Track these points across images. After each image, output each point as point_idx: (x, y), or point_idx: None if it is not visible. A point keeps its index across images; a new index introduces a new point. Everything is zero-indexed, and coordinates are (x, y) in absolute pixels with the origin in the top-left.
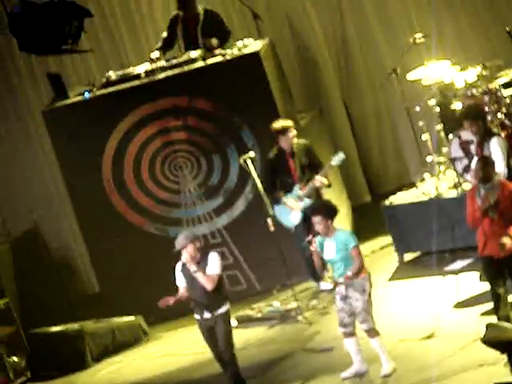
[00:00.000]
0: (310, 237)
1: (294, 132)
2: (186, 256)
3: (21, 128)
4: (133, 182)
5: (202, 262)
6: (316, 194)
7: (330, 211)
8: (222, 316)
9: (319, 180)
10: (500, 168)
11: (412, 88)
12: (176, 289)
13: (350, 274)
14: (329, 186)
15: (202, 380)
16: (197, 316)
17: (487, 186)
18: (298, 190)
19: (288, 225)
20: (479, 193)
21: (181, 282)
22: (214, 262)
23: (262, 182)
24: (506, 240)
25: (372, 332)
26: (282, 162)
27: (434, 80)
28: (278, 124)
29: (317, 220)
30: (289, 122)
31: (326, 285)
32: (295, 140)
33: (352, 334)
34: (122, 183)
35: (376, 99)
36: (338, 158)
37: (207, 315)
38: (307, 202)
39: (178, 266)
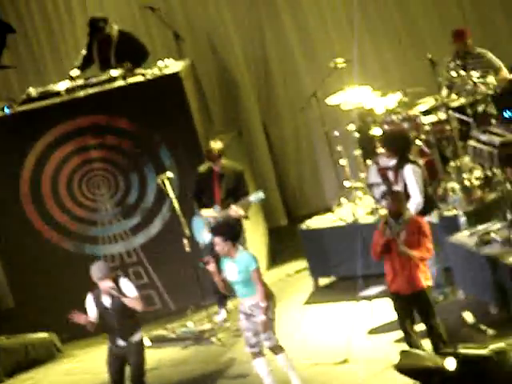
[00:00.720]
0: (206, 258)
1: (221, 158)
2: (104, 288)
3: None
4: (50, 199)
5: (117, 290)
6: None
7: (230, 232)
8: (136, 344)
9: (234, 210)
10: (415, 197)
11: (332, 112)
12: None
13: (262, 304)
14: (246, 217)
15: None
16: (110, 344)
17: (398, 220)
18: (216, 210)
19: (200, 240)
20: (389, 226)
21: (91, 312)
22: (129, 285)
23: (186, 195)
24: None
25: (277, 349)
26: (209, 180)
27: (354, 105)
28: (215, 145)
29: (217, 241)
30: (221, 149)
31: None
32: (230, 163)
33: (260, 354)
34: (39, 199)
35: (295, 122)
36: (256, 196)
37: (121, 343)
38: None
39: (89, 297)
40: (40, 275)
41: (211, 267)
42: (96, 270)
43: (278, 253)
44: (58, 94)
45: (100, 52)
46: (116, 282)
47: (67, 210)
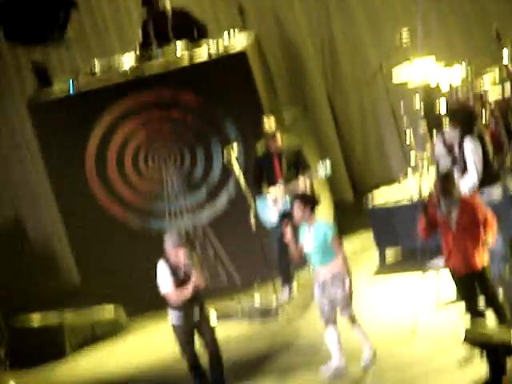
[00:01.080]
0: (286, 224)
1: (278, 137)
2: (181, 255)
3: (4, 118)
4: (116, 175)
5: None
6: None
7: (310, 199)
8: (208, 317)
9: (302, 182)
10: (472, 174)
11: (398, 86)
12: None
13: (344, 273)
14: (312, 190)
15: (181, 373)
16: (181, 318)
17: (448, 201)
18: (281, 189)
19: (267, 221)
20: (440, 206)
21: (165, 281)
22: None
23: (247, 178)
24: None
25: (353, 320)
26: (269, 162)
27: (419, 83)
28: (268, 126)
29: (296, 205)
30: (275, 126)
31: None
32: (285, 140)
33: (333, 324)
34: (104, 175)
35: (361, 97)
36: (323, 170)
37: (196, 314)
38: (285, 206)
39: (162, 265)
40: (105, 250)
41: (288, 233)
42: (170, 239)
43: (344, 225)
44: (122, 73)
45: (156, 29)
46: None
47: (133, 185)
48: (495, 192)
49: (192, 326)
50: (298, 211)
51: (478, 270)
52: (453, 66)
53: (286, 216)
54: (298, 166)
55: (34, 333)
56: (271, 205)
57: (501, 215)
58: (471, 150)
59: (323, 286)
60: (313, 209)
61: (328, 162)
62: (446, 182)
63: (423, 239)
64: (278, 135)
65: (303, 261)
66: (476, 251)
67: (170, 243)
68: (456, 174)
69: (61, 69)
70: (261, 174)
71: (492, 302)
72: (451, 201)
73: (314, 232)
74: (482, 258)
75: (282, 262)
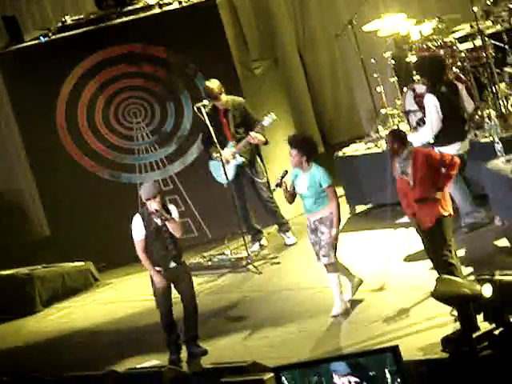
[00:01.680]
0: (277, 180)
1: (223, 94)
2: (155, 206)
3: None
4: (86, 128)
5: (163, 209)
6: (252, 150)
7: (308, 147)
8: (183, 266)
9: (254, 136)
10: (426, 129)
11: (367, 40)
12: (130, 238)
13: (334, 219)
14: (265, 143)
15: (150, 326)
16: (159, 268)
17: (401, 158)
18: (231, 147)
19: (221, 181)
20: (397, 165)
21: (140, 233)
22: (176, 212)
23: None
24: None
25: (331, 267)
26: (216, 118)
27: (390, 32)
28: (212, 85)
29: (293, 152)
30: (219, 85)
31: None
32: (230, 97)
33: (332, 268)
34: (75, 128)
35: (331, 50)
36: (269, 119)
37: (173, 264)
38: (239, 159)
39: (138, 218)
40: (76, 204)
41: (283, 187)
42: (145, 190)
43: None
44: (92, 21)
45: None
46: (164, 204)
47: (103, 139)
48: (466, 145)
49: (172, 274)
50: (294, 158)
51: (441, 218)
52: (423, 23)
53: (236, 174)
54: (244, 121)
55: (3, 286)
56: (219, 166)
57: (467, 169)
58: (428, 105)
59: (312, 230)
60: (309, 156)
61: (272, 113)
62: (393, 139)
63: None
64: (223, 96)
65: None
66: (440, 203)
67: (143, 194)
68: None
69: (32, 22)
70: (210, 133)
71: (442, 250)
72: (403, 157)
73: (309, 178)
74: (445, 206)
75: (243, 216)
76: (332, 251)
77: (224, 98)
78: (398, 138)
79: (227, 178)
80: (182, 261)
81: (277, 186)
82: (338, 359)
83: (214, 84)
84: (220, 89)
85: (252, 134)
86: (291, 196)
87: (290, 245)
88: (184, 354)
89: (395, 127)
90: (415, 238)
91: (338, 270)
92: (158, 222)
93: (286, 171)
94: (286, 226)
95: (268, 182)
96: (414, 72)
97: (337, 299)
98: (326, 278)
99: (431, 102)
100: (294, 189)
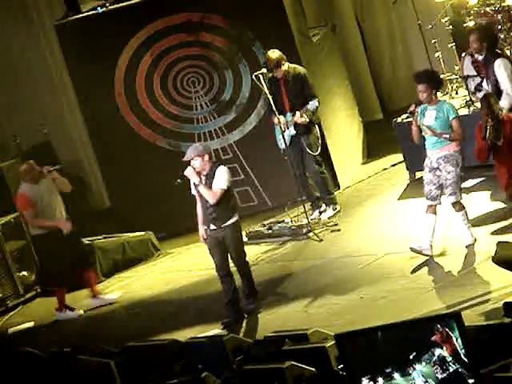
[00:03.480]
0: (411, 107)
1: (286, 63)
2: (189, 168)
3: (33, 42)
4: (145, 97)
5: (209, 176)
6: (309, 122)
7: (434, 80)
8: (229, 227)
9: (297, 117)
10: (506, 92)
11: (425, 6)
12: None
13: (447, 135)
14: (310, 122)
15: (211, 295)
16: (204, 227)
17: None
18: (289, 118)
19: (279, 146)
20: (490, 130)
21: (192, 189)
22: (220, 177)
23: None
24: None
25: (458, 205)
26: (276, 87)
27: None
28: (272, 55)
29: (421, 88)
30: (280, 56)
31: None
32: (292, 66)
33: (435, 211)
34: (134, 97)
35: (389, 16)
36: (313, 104)
37: (213, 227)
38: (292, 131)
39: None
40: (135, 173)
41: (415, 117)
42: (190, 150)
43: (374, 147)
44: None
45: None
46: (212, 168)
47: (162, 108)
48: None
49: (214, 235)
50: (421, 94)
51: None
52: None
53: (291, 143)
54: (303, 92)
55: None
56: (280, 132)
57: None
58: (503, 69)
59: (433, 169)
60: (436, 90)
61: (317, 100)
62: (489, 104)
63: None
64: (284, 65)
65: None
66: None
67: (186, 154)
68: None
69: None
70: (269, 101)
71: None
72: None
73: (437, 110)
74: None
75: (302, 184)
76: (459, 190)
77: (285, 67)
78: (493, 103)
79: (285, 146)
80: (226, 225)
81: (411, 112)
82: (399, 326)
83: (274, 54)
84: (280, 59)
85: (297, 114)
86: (418, 129)
87: (330, 217)
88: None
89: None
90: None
91: (464, 208)
92: (193, 184)
93: (420, 102)
94: (331, 200)
95: (320, 156)
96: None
97: (466, 233)
98: (454, 216)
99: (501, 65)
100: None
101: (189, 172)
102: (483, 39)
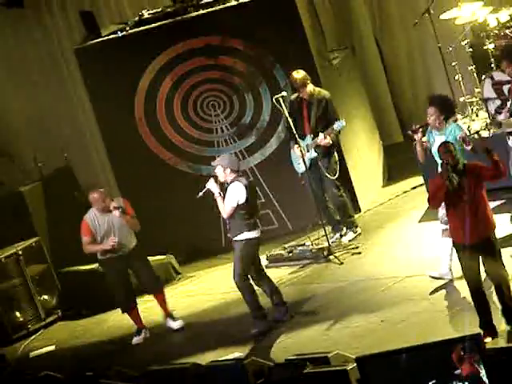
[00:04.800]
0: (415, 126)
1: (310, 85)
2: (211, 180)
3: (53, 67)
4: (165, 121)
5: (227, 189)
6: (329, 146)
7: (445, 105)
8: (237, 242)
9: (321, 139)
10: None
11: (445, 28)
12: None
13: (467, 139)
14: (332, 145)
15: (232, 318)
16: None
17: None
18: (309, 140)
19: (297, 170)
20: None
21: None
22: (230, 194)
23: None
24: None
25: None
26: (299, 109)
27: (467, 20)
28: (296, 75)
29: (430, 111)
30: (304, 76)
31: None
32: (317, 89)
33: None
34: (154, 122)
35: (409, 39)
36: (339, 124)
37: (229, 236)
38: (313, 154)
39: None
40: (155, 196)
41: (417, 136)
42: (220, 157)
43: (394, 169)
44: (170, 15)
45: None
46: (232, 181)
47: (182, 132)
48: None
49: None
50: (430, 117)
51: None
52: (501, 10)
53: (311, 167)
54: (325, 115)
55: (85, 281)
56: (298, 158)
57: None
58: None
59: None
60: (447, 115)
61: (343, 120)
62: (448, 152)
63: (432, 209)
64: (308, 87)
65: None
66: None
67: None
68: (503, 116)
69: (109, 17)
70: (293, 121)
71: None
72: (457, 170)
73: (445, 137)
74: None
75: (322, 207)
76: None
77: (309, 89)
78: (452, 150)
79: (305, 169)
80: (235, 239)
81: (412, 132)
82: (419, 348)
83: (298, 74)
84: (304, 80)
85: (321, 135)
86: (424, 151)
87: (350, 240)
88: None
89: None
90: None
91: None
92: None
93: (426, 124)
94: (352, 223)
95: (338, 179)
96: (493, 59)
97: (443, 262)
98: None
99: None
100: (428, 150)
101: (210, 184)
102: (507, 56)
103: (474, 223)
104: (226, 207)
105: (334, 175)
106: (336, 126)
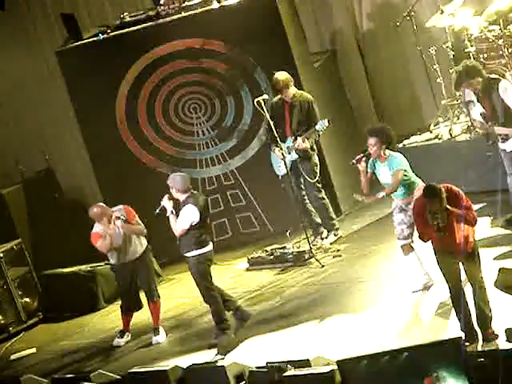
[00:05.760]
0: (357, 156)
1: (293, 87)
2: (166, 197)
3: (34, 69)
4: (146, 124)
5: (182, 207)
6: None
7: (386, 136)
8: (190, 259)
9: (298, 143)
10: None
11: (426, 31)
12: None
13: (384, 192)
14: (311, 149)
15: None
16: None
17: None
18: (290, 143)
19: (277, 173)
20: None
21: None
22: (182, 217)
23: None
24: None
25: (410, 248)
26: (280, 111)
27: (448, 24)
28: (279, 77)
29: (372, 141)
30: (287, 78)
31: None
32: (299, 92)
33: (412, 247)
34: (135, 125)
35: (390, 42)
36: (321, 124)
37: (180, 251)
38: (294, 156)
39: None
40: (137, 199)
41: (361, 166)
42: (170, 177)
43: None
44: (151, 18)
45: None
46: (187, 199)
47: (164, 135)
48: None
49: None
50: (371, 147)
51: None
52: (482, 13)
53: (291, 169)
54: (307, 119)
55: (66, 284)
56: (279, 160)
57: None
58: (506, 93)
59: (402, 209)
60: (388, 145)
61: (326, 120)
62: (437, 199)
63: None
64: (290, 89)
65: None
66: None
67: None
68: (480, 119)
69: (90, 19)
70: (274, 123)
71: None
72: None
73: (388, 167)
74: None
75: (302, 210)
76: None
77: (292, 91)
78: (442, 198)
79: (286, 172)
80: (187, 255)
81: (356, 161)
82: (400, 351)
83: (281, 76)
84: (287, 82)
85: (299, 139)
86: (367, 181)
87: (332, 243)
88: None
89: None
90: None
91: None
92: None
93: (369, 153)
94: (333, 226)
95: (319, 182)
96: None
97: (418, 274)
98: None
99: (507, 87)
100: (372, 176)
101: (165, 201)
102: (475, 77)
103: (457, 245)
104: (178, 227)
105: (314, 178)
106: (318, 126)
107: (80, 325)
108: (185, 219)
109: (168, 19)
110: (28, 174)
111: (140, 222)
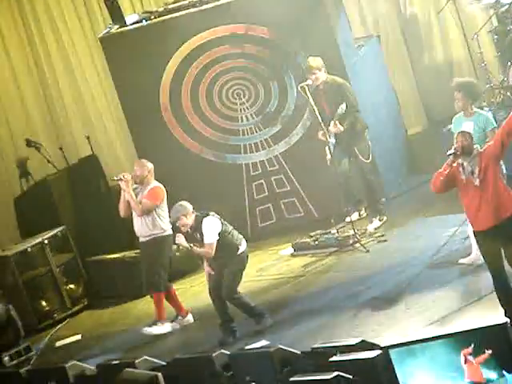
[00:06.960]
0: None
1: (322, 74)
2: (178, 236)
3: (78, 55)
4: (190, 110)
5: (197, 229)
6: (358, 130)
7: (472, 91)
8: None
9: (333, 127)
10: None
11: (469, 15)
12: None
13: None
14: (363, 128)
15: (259, 306)
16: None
17: (469, 158)
18: (331, 126)
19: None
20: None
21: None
22: (208, 230)
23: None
24: None
25: None
26: (317, 97)
27: (491, 5)
28: (312, 62)
29: (458, 96)
30: (319, 64)
31: None
32: (331, 77)
33: None
34: (179, 110)
35: (432, 26)
36: (341, 109)
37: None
38: (333, 140)
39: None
40: (181, 185)
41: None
42: (172, 211)
43: (420, 158)
44: (194, 4)
45: None
46: (196, 220)
47: (207, 120)
48: None
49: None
50: (458, 102)
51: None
52: None
53: (337, 151)
54: (343, 102)
55: (111, 270)
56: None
57: None
58: None
59: None
60: (473, 100)
61: (344, 104)
62: (465, 140)
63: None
64: (321, 74)
65: None
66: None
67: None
68: None
69: (134, 6)
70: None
71: None
72: (470, 158)
73: (473, 123)
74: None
75: (345, 190)
76: None
77: (322, 76)
78: (468, 139)
79: (329, 155)
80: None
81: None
82: (445, 336)
83: (313, 62)
84: (318, 67)
85: (332, 123)
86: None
87: (377, 228)
88: None
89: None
90: None
91: None
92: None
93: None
94: (379, 210)
95: (373, 163)
96: None
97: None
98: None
99: None
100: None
101: (179, 240)
102: None
103: (488, 207)
104: (207, 248)
105: (368, 158)
106: (340, 110)
107: (125, 311)
108: (211, 232)
109: (211, 5)
110: (72, 160)
111: (161, 206)
